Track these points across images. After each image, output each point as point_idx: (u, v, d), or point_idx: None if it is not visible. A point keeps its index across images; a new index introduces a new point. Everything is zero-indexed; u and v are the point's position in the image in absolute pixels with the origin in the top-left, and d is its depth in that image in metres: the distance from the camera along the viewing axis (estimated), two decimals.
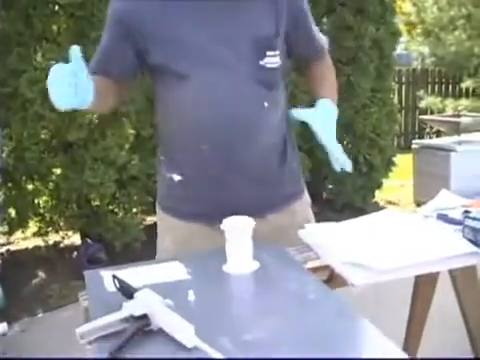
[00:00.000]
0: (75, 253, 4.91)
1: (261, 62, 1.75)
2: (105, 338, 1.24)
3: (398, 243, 1.72)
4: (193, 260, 1.66)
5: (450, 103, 10.23)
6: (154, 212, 4.84)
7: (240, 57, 1.74)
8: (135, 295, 1.30)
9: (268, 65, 1.76)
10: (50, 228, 4.88)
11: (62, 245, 5.18)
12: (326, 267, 1.69)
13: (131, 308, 1.27)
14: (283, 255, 1.69)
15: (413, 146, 6.43)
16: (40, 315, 4.06)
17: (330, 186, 6.16)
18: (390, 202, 6.72)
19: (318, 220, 2.01)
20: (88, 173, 4.29)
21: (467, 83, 11.11)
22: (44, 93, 4.03)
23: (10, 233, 4.78)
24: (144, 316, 1.25)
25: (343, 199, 5.92)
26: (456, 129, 6.08)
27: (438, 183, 5.89)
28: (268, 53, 1.76)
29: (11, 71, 4.12)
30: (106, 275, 1.57)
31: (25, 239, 5.29)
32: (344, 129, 5.57)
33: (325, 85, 1.96)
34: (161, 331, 1.23)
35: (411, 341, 2.15)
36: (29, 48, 4.18)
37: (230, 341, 1.20)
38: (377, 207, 6.36)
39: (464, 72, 11.98)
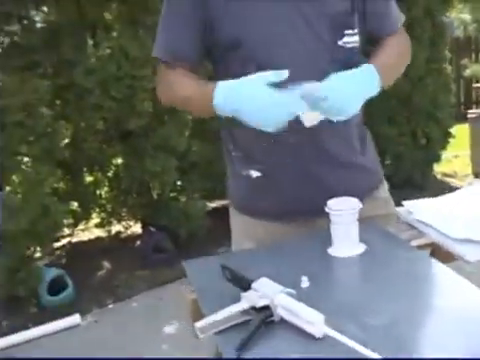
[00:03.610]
0: (138, 242, 4.90)
1: (340, 42, 1.62)
2: (225, 332, 1.19)
3: None
4: (293, 246, 1.59)
5: None
6: (216, 196, 4.85)
7: (318, 39, 1.61)
8: (253, 285, 1.24)
9: (347, 45, 1.63)
10: (112, 218, 4.87)
11: (124, 235, 5.19)
12: (428, 244, 1.62)
13: (252, 299, 1.20)
14: (387, 235, 1.63)
15: (469, 116, 6.25)
16: (111, 306, 4.06)
17: (388, 162, 6.02)
18: (446, 175, 6.57)
19: None
20: (149, 161, 4.25)
21: None
22: (101, 83, 4.08)
23: (75, 225, 4.79)
24: (266, 307, 1.19)
25: (402, 174, 5.76)
26: None
27: None
28: (346, 32, 1.63)
29: (65, 62, 4.07)
30: (206, 264, 1.53)
31: (84, 230, 5.30)
32: (402, 103, 5.44)
33: (381, 55, 1.71)
34: (283, 321, 1.18)
35: None
36: (81, 38, 4.13)
37: (358, 327, 1.15)
38: (436, 181, 6.23)
39: None
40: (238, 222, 1.85)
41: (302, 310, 1.15)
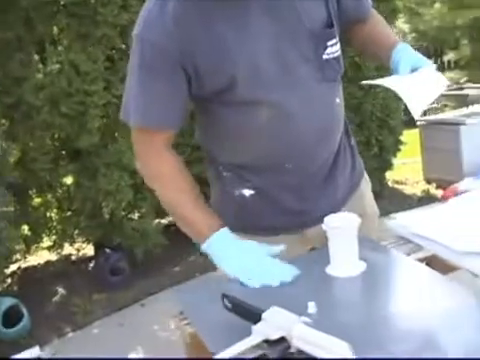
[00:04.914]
0: (91, 265, 4.71)
1: (325, 56, 1.55)
2: None
3: None
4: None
5: None
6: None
7: (306, 59, 1.53)
8: (264, 316, 1.12)
9: (331, 55, 1.57)
10: (63, 241, 4.66)
11: (74, 257, 4.97)
12: (426, 257, 1.54)
13: (265, 332, 1.09)
14: (384, 251, 1.55)
15: (419, 123, 6.25)
16: (69, 335, 3.86)
17: None
18: (398, 182, 6.56)
19: None
20: (102, 180, 4.08)
21: (449, 56, 11.08)
22: (51, 99, 3.90)
23: (27, 251, 4.56)
24: (281, 339, 1.07)
25: None
26: (463, 102, 5.94)
27: (449, 158, 5.77)
28: (328, 43, 1.56)
29: (13, 79, 3.86)
30: (200, 291, 1.42)
31: (33, 254, 5.04)
32: (353, 111, 5.41)
33: (387, 34, 1.73)
34: (300, 352, 1.07)
35: None
36: (30, 53, 3.93)
37: (386, 355, 1.06)
38: (389, 189, 6.21)
39: (445, 45, 11.94)
40: None
41: (324, 340, 1.04)
